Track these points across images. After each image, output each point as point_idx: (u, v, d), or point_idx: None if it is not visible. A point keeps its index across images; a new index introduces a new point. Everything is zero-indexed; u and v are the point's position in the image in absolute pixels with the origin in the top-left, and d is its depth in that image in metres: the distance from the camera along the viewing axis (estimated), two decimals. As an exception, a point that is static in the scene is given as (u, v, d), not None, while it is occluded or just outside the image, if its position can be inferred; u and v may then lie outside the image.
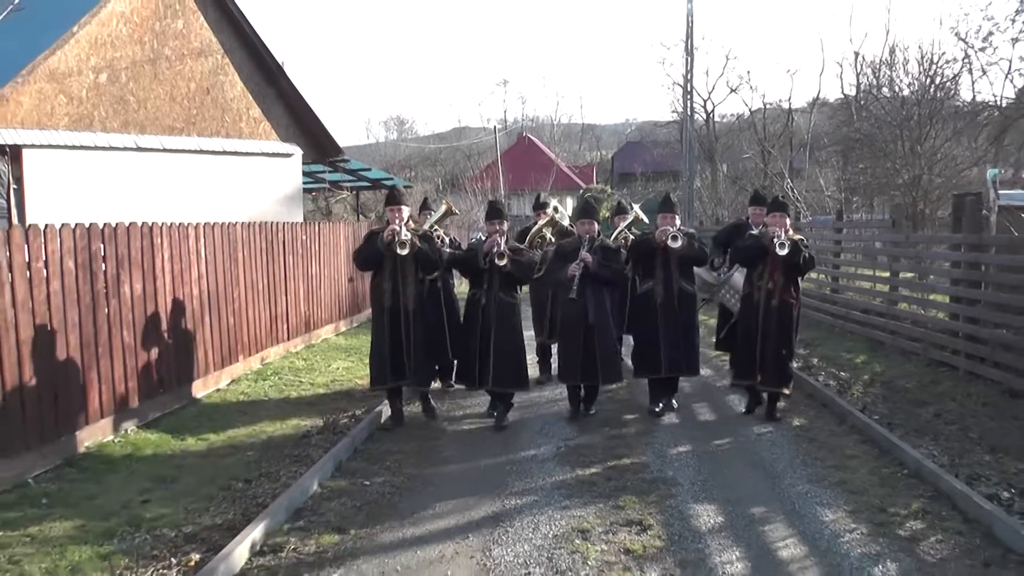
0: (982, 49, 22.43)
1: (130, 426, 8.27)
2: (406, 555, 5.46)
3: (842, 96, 29.00)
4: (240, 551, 5.34)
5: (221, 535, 5.62)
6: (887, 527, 5.75)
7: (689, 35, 24.23)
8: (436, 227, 9.56)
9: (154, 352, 8.79)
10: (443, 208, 9.58)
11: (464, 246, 10.99)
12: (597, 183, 57.05)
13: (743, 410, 9.06)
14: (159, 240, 8.98)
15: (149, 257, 8.77)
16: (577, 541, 5.60)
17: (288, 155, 17.71)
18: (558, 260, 8.94)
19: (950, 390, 9.27)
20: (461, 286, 10.82)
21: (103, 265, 7.96)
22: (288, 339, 12.61)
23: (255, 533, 5.59)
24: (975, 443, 7.38)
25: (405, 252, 8.29)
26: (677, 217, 9.01)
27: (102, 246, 7.96)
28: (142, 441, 7.99)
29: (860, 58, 30.20)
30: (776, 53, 79.59)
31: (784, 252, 8.21)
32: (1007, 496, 6.01)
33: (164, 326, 9.04)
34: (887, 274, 13.00)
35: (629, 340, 9.74)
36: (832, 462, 7.21)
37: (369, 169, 24.48)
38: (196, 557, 5.28)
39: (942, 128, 18.43)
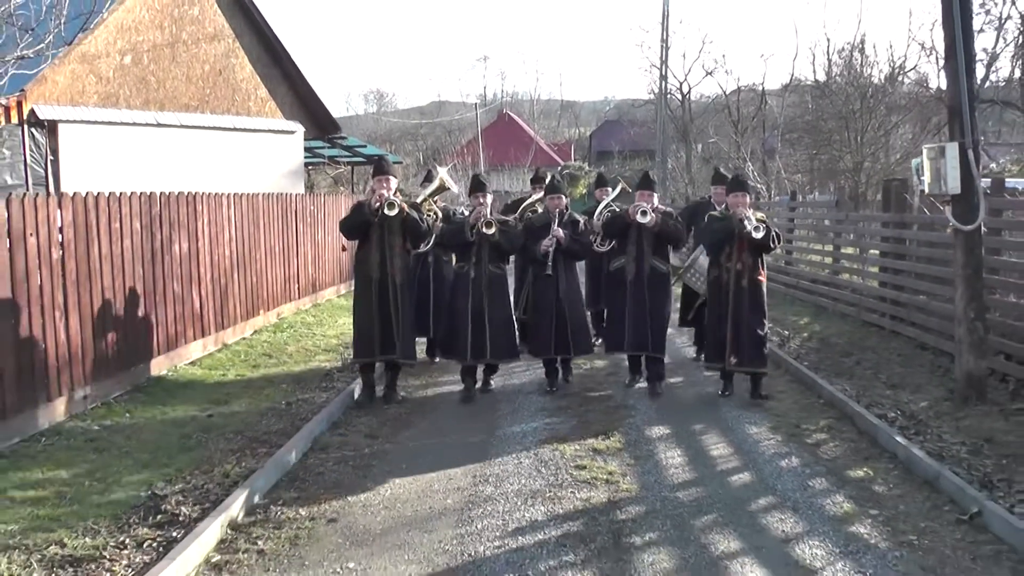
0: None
1: (179, 363, 9.80)
2: (426, 451, 7.07)
3: (813, 81, 30.39)
4: (299, 447, 6.94)
5: (278, 438, 7.18)
6: (798, 437, 7.40)
7: (665, 25, 25.74)
8: (429, 201, 9.45)
9: (196, 302, 10.31)
10: (436, 182, 9.51)
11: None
12: (575, 161, 58.62)
13: (720, 392, 8.88)
14: (200, 207, 10.48)
15: (193, 221, 10.27)
16: (556, 444, 7.22)
17: (291, 132, 19.14)
18: (528, 234, 9.06)
19: (874, 345, 10.90)
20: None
21: (160, 227, 9.46)
22: (299, 298, 14.14)
23: (306, 436, 7.18)
24: (881, 382, 9.04)
25: (394, 212, 8.24)
26: (655, 195, 9.18)
27: (159, 211, 9.45)
28: (190, 375, 9.53)
29: (831, 44, 31.80)
30: (751, 37, 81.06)
31: (760, 236, 8.18)
32: (892, 416, 7.69)
33: (204, 281, 10.54)
34: (831, 248, 14.68)
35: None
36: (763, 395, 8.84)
37: (365, 146, 25.91)
38: (265, 450, 6.85)
39: (885, 119, 20.25)
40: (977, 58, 24.91)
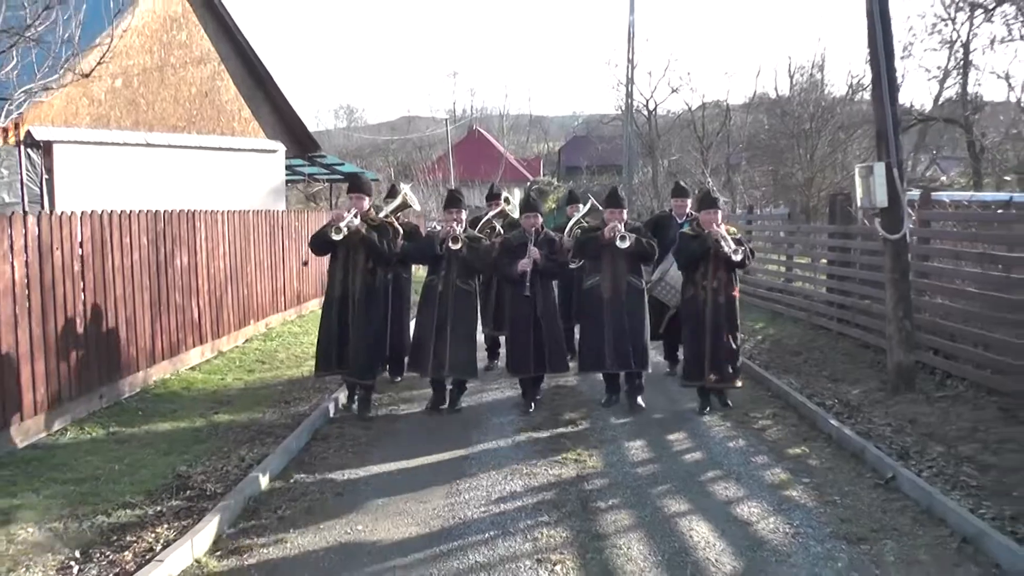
0: (902, 58, 25.30)
1: (181, 368, 10.58)
2: (415, 439, 7.95)
3: (774, 98, 31.47)
4: (303, 437, 7.79)
5: (282, 430, 7.99)
6: (746, 424, 8.35)
7: (631, 44, 26.71)
8: (390, 217, 9.29)
9: (195, 312, 11.09)
10: (399, 199, 9.56)
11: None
12: (544, 176, 59.71)
13: (696, 409, 8.93)
14: (199, 224, 11.28)
15: (192, 237, 11.07)
16: (530, 431, 8.14)
17: (273, 151, 19.95)
18: (505, 254, 9.02)
19: (821, 345, 11.87)
20: (418, 272, 11.60)
21: (164, 242, 10.25)
22: (285, 309, 14.95)
23: (308, 428, 8.03)
24: (824, 376, 10.01)
25: (339, 237, 8.32)
26: (624, 212, 9.10)
27: (163, 227, 10.24)
28: (193, 379, 10.30)
29: (792, 62, 33.09)
30: (716, 55, 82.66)
31: (739, 258, 8.32)
32: (831, 404, 8.68)
33: (201, 292, 11.32)
34: (785, 257, 15.69)
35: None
36: (718, 390, 9.75)
37: (343, 164, 26.80)
38: (272, 440, 7.66)
39: (833, 137, 21.56)
40: (932, 76, 26.27)
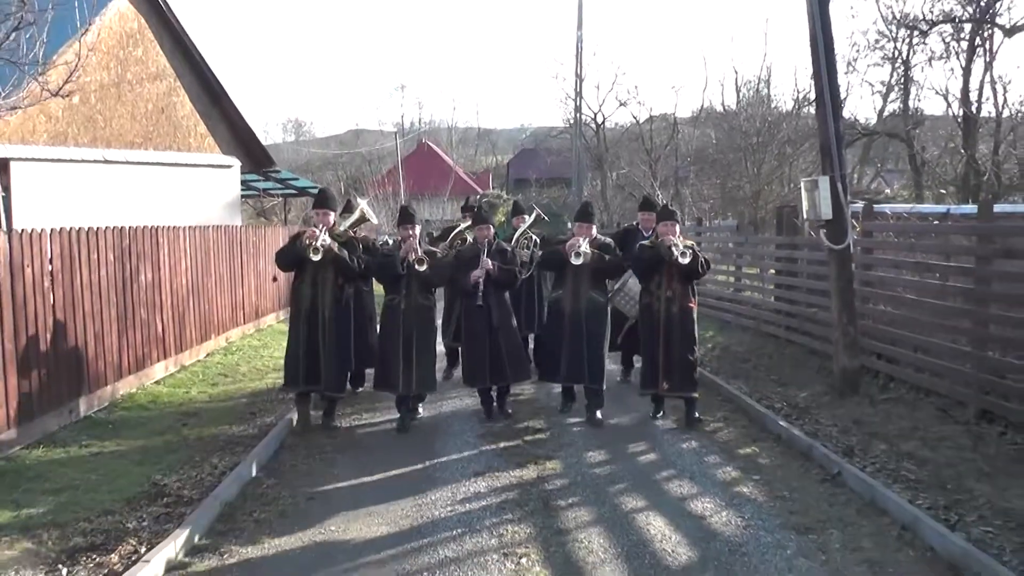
0: (846, 73, 26.10)
1: (147, 383, 10.73)
2: (381, 446, 8.24)
3: (721, 111, 32.11)
4: (271, 446, 8.03)
5: (251, 440, 8.24)
6: (698, 427, 8.71)
7: (579, 59, 27.24)
8: (349, 231, 9.31)
9: (159, 327, 11.25)
10: (356, 213, 9.58)
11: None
12: (493, 188, 60.03)
13: (651, 414, 9.24)
14: (161, 240, 11.45)
15: (155, 253, 11.23)
16: (491, 438, 8.45)
17: (229, 166, 20.08)
18: (459, 266, 9.16)
19: (770, 352, 12.31)
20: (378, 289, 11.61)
21: (129, 259, 10.42)
22: (244, 323, 15.11)
23: (275, 438, 8.27)
24: (773, 381, 10.45)
25: (317, 258, 8.36)
26: (594, 227, 9.18)
27: (128, 244, 10.41)
28: (158, 392, 10.45)
29: (739, 76, 33.86)
30: (663, 69, 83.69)
31: (686, 261, 8.39)
32: (779, 406, 9.11)
33: (165, 307, 11.48)
34: (734, 268, 16.18)
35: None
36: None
37: (297, 179, 26.95)
38: (241, 449, 7.89)
39: (779, 151, 22.30)
40: (875, 90, 27.17)
